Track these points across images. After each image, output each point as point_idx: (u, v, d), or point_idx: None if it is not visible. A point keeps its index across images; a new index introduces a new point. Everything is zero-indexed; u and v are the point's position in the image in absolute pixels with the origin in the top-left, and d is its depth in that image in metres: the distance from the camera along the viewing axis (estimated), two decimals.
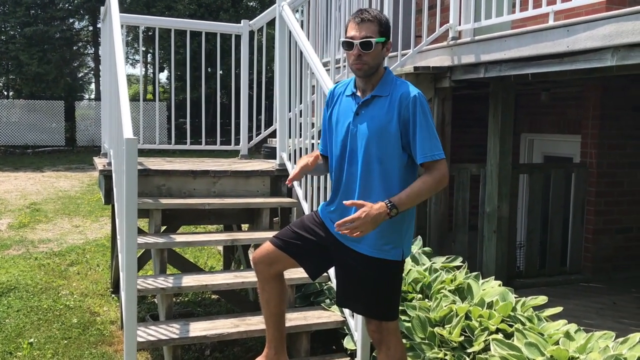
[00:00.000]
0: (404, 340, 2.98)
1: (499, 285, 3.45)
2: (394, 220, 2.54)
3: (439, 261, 3.90)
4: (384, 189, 2.54)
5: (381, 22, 2.57)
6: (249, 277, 3.83)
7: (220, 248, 6.62)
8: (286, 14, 4.44)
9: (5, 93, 25.07)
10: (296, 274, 3.62)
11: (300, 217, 4.30)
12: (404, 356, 2.76)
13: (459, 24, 4.61)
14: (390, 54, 4.69)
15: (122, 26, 4.57)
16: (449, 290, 3.44)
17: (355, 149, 2.59)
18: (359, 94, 2.64)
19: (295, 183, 4.31)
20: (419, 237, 4.16)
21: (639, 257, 5.65)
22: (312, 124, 4.34)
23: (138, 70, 32.77)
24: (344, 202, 2.53)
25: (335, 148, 2.69)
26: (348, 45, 2.56)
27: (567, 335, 2.87)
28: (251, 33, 5.72)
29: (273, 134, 5.63)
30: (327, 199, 2.83)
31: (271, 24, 5.41)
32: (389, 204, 2.43)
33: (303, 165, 2.74)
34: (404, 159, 2.56)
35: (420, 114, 2.50)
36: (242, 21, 5.74)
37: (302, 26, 5.03)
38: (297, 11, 5.97)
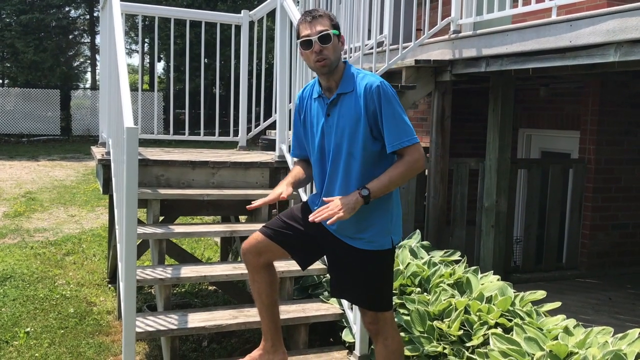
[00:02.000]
0: (402, 334, 2.99)
1: (498, 280, 3.46)
2: (379, 209, 2.57)
3: (438, 255, 3.90)
4: (364, 184, 2.54)
5: (330, 16, 2.59)
6: None
7: (218, 239, 6.61)
8: (287, 4, 4.41)
9: (1, 81, 24.94)
10: (294, 266, 3.61)
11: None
12: (401, 347, 2.76)
13: (461, 18, 4.60)
14: (391, 47, 4.71)
15: (121, 14, 4.53)
16: (448, 284, 3.45)
17: (332, 150, 2.60)
18: (325, 94, 2.63)
19: None
20: (417, 230, 4.17)
21: (634, 253, 5.67)
22: None
23: (134, 60, 32.60)
24: (324, 198, 2.54)
25: (314, 152, 2.70)
26: (306, 44, 2.54)
27: (566, 330, 2.87)
28: (251, 23, 5.69)
29: (271, 126, 5.62)
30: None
31: (271, 14, 5.37)
32: (361, 189, 2.46)
33: (276, 196, 2.68)
34: (377, 150, 2.56)
35: (385, 103, 2.49)
36: (242, 11, 5.71)
37: None
38: (298, 3, 5.95)
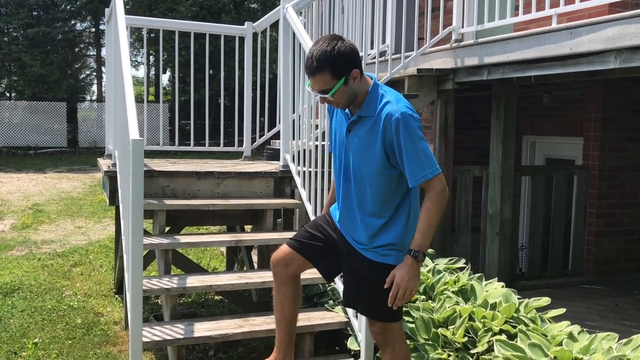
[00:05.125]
0: (407, 341, 3.00)
1: (502, 287, 3.47)
2: (396, 226, 2.60)
3: (442, 263, 3.92)
4: (376, 205, 2.59)
5: (332, 63, 2.44)
6: (252, 278, 3.85)
7: (223, 249, 6.63)
8: (290, 16, 4.46)
9: (8, 94, 25.15)
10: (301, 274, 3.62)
11: (304, 218, 4.33)
12: (408, 356, 2.77)
13: (462, 27, 4.63)
14: (393, 56, 4.74)
15: (126, 27, 4.59)
16: (453, 292, 3.46)
17: (348, 166, 2.64)
18: (349, 109, 2.65)
19: (299, 184, 4.34)
20: None
21: None
22: (316, 126, 4.36)
23: (139, 72, 32.82)
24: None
25: (334, 161, 2.74)
26: (313, 91, 2.57)
27: (571, 336, 2.88)
28: (254, 35, 5.74)
29: (276, 135, 5.65)
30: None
31: (274, 26, 5.43)
32: (412, 253, 2.50)
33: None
34: (393, 175, 2.56)
35: (404, 136, 2.44)
36: (245, 23, 5.77)
37: (304, 28, 5.04)
38: (300, 14, 5.99)
